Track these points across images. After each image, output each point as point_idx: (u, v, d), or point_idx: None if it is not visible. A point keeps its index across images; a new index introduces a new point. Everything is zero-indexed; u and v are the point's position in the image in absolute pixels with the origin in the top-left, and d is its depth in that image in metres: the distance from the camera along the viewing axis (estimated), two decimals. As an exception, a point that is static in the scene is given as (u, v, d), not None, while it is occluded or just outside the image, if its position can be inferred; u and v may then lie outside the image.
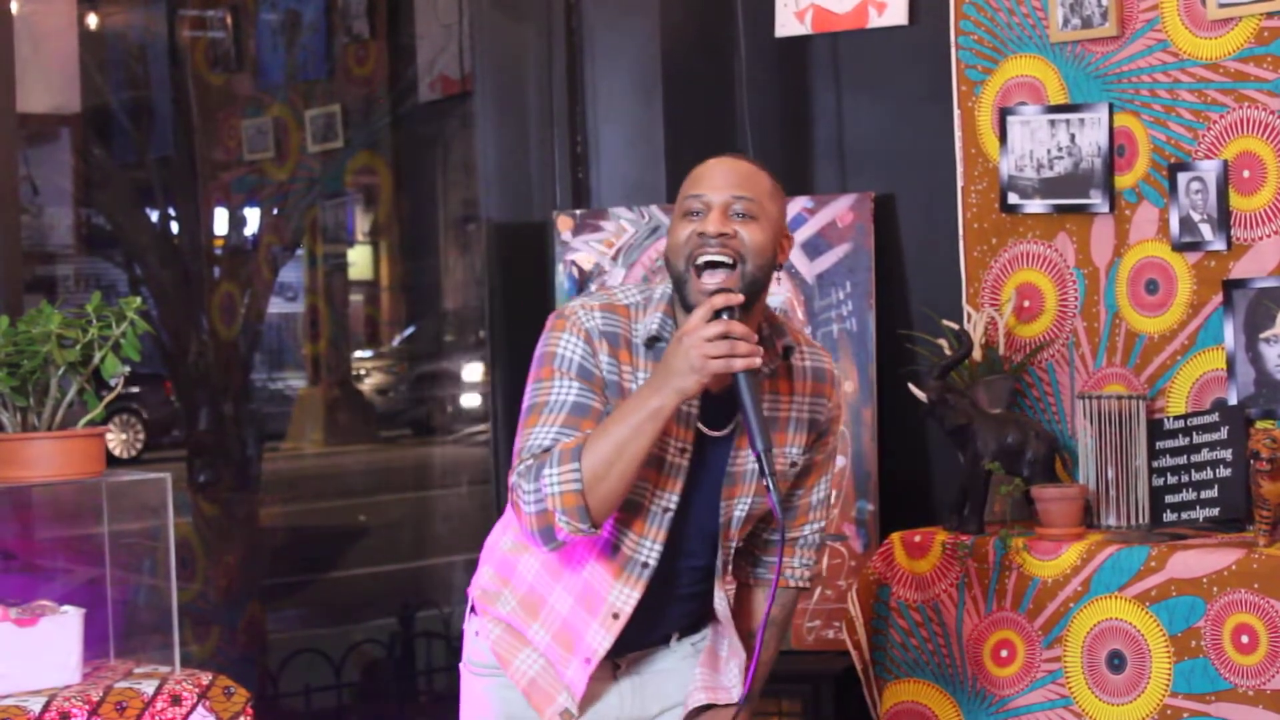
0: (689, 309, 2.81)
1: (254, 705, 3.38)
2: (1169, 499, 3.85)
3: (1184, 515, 3.82)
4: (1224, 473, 3.77)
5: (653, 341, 2.87)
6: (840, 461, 4.38)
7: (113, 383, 3.46)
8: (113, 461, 3.56)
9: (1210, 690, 3.48)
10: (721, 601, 3.02)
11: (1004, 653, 3.78)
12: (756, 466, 2.88)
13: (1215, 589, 3.48)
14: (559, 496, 2.75)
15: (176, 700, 3.29)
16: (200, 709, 3.30)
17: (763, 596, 3.12)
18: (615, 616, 2.91)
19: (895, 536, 3.96)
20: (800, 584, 3.12)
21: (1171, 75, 4.00)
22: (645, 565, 2.90)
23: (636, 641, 3.00)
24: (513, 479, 2.82)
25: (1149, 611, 3.56)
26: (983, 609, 3.80)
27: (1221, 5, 3.90)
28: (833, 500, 4.35)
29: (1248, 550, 3.49)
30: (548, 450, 2.79)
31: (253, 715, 3.37)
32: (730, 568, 3.05)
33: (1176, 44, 4.00)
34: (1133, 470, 3.89)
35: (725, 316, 2.72)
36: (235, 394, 6.28)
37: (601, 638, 2.92)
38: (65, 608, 3.35)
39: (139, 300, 3.44)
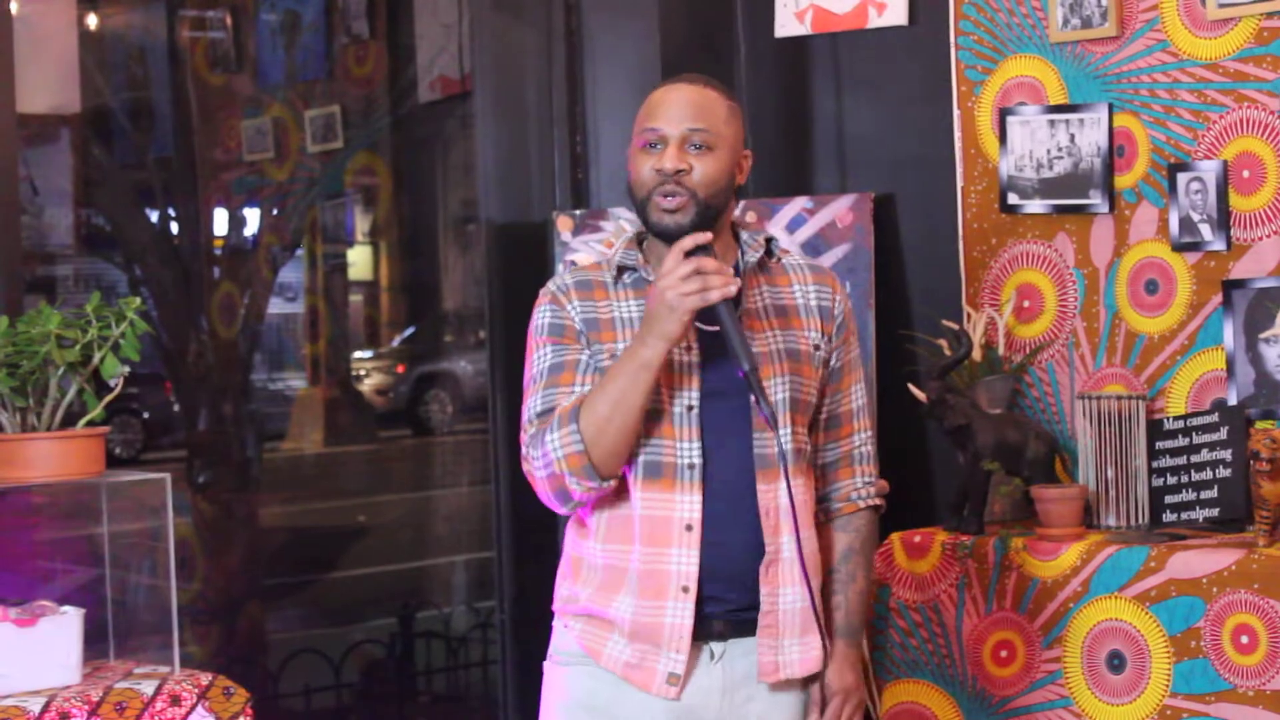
0: (653, 231, 2.93)
1: (253, 705, 3.38)
2: (1169, 499, 3.85)
3: (1184, 515, 3.82)
4: (1224, 473, 3.76)
5: (621, 271, 2.96)
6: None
7: (112, 383, 3.46)
8: (112, 462, 3.55)
9: (1210, 690, 3.48)
10: (784, 496, 2.91)
11: (1004, 653, 3.78)
12: (778, 348, 2.93)
13: (1215, 589, 3.48)
14: (564, 460, 2.82)
15: (176, 700, 3.29)
16: (200, 709, 3.31)
17: (834, 530, 3.07)
18: (689, 528, 2.88)
19: (895, 537, 3.96)
20: (870, 503, 3.09)
21: (1171, 75, 4.00)
22: (691, 466, 2.89)
23: (723, 582, 2.92)
24: (523, 450, 2.90)
25: (1149, 612, 3.56)
26: (982, 609, 3.80)
27: (1221, 5, 3.90)
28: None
29: (1247, 550, 3.49)
30: (545, 415, 2.87)
31: (252, 715, 3.37)
32: (792, 459, 2.93)
33: (1176, 44, 4.00)
34: (1132, 470, 3.89)
35: (697, 254, 2.78)
36: (235, 394, 6.29)
37: (687, 558, 2.88)
38: (65, 608, 3.35)
39: (139, 300, 3.45)
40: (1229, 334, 3.90)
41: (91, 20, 6.23)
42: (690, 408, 2.90)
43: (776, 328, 2.97)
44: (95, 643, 3.47)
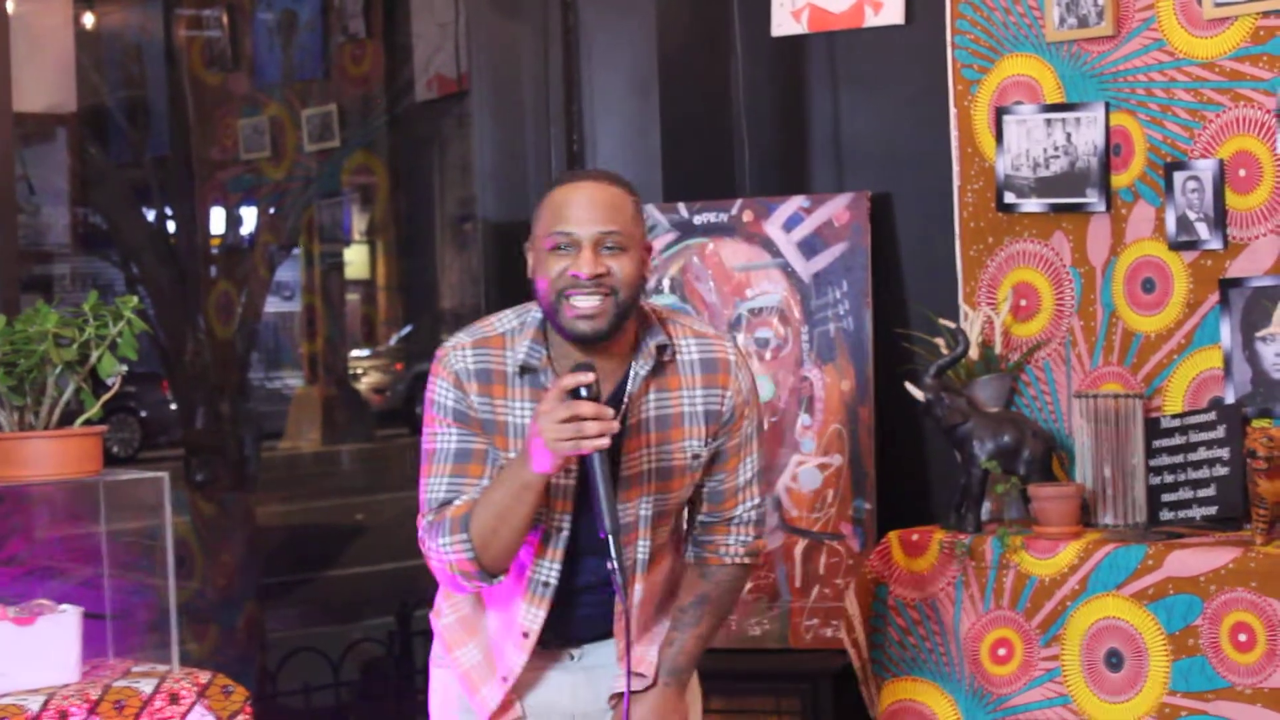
0: (566, 336, 2.90)
1: (252, 704, 3.38)
2: (1166, 498, 3.85)
3: (1181, 514, 3.82)
4: (1221, 471, 3.77)
5: (523, 370, 2.95)
6: (838, 460, 4.39)
7: (110, 382, 3.46)
8: (110, 461, 3.55)
9: (1208, 688, 3.49)
10: (639, 594, 3.05)
11: (1002, 651, 3.78)
12: (651, 467, 2.97)
13: (1212, 587, 3.49)
14: (454, 563, 2.92)
15: (175, 699, 3.29)
16: (199, 707, 3.31)
17: (695, 575, 3.13)
18: (525, 635, 3.00)
19: (893, 535, 3.97)
20: (736, 560, 3.13)
21: (1168, 74, 4.01)
22: (546, 584, 2.98)
23: (578, 636, 3.08)
24: (421, 530, 2.99)
25: (1146, 610, 3.57)
26: (980, 607, 3.81)
27: (1217, 4, 3.90)
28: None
29: (1245, 549, 3.49)
30: (447, 505, 2.94)
31: (251, 714, 3.37)
32: (645, 567, 3.04)
33: (1172, 43, 4.00)
34: (1130, 469, 3.89)
35: (584, 394, 2.76)
36: (232, 393, 6.29)
37: (516, 658, 3.02)
38: (63, 606, 3.35)
39: (136, 299, 3.45)
40: (1226, 332, 3.90)
41: (88, 19, 6.23)
42: (560, 529, 2.97)
43: (654, 444, 2.98)
44: (94, 641, 3.47)
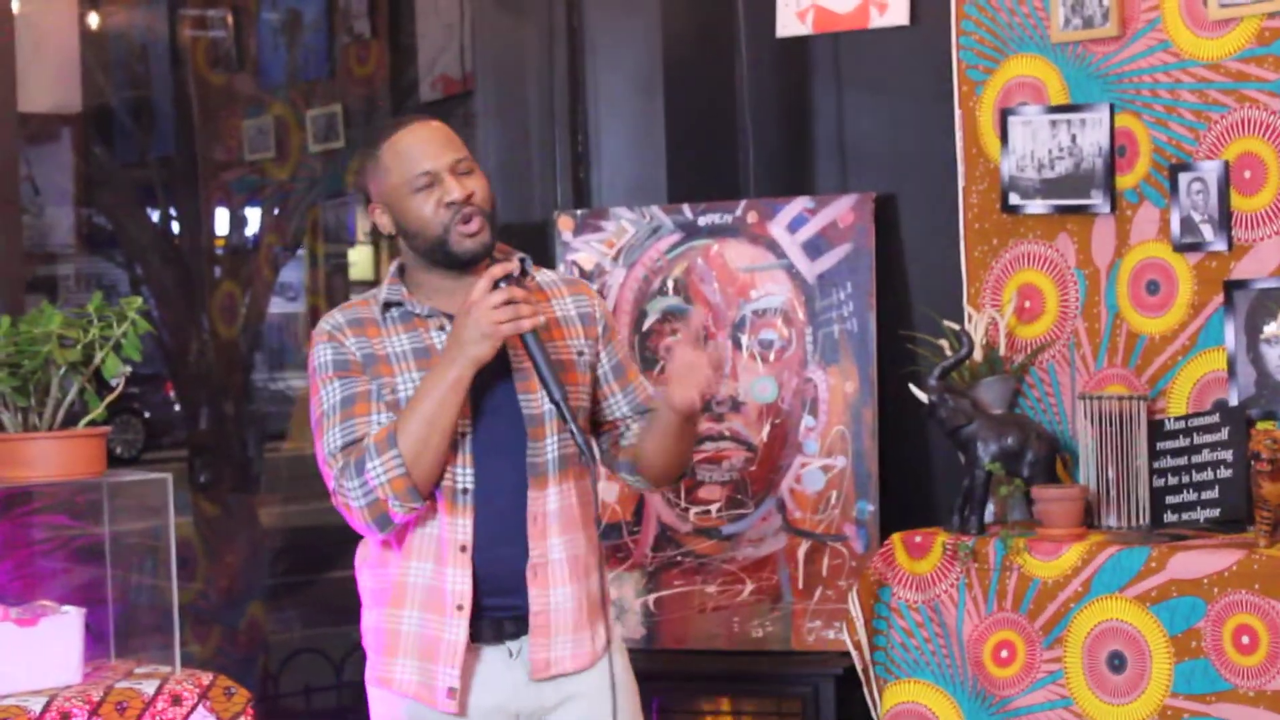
0: (459, 260, 3.03)
1: (255, 705, 3.39)
2: (1169, 500, 3.85)
3: (1184, 516, 3.82)
4: (1224, 474, 3.76)
5: (388, 307, 3.08)
6: (841, 462, 4.39)
7: (114, 383, 3.46)
8: (113, 461, 3.56)
9: (1211, 691, 3.48)
10: (552, 501, 3.07)
11: (1004, 653, 3.78)
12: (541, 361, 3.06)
13: (1216, 590, 3.48)
14: (388, 484, 2.95)
15: (177, 700, 3.29)
16: (201, 709, 3.31)
17: (634, 437, 3.21)
18: (463, 549, 3.03)
19: (896, 537, 3.96)
20: None
21: (1173, 75, 4.00)
22: (465, 491, 3.03)
23: (512, 603, 3.07)
24: (332, 484, 3.01)
25: (1149, 612, 3.56)
26: (983, 609, 3.80)
27: (1223, 5, 3.90)
28: (834, 500, 4.37)
29: (1248, 551, 3.49)
30: (350, 446, 2.99)
31: (253, 715, 3.38)
32: (557, 468, 3.08)
33: (1178, 44, 4.00)
34: (1133, 471, 3.88)
35: (503, 284, 2.93)
36: (236, 394, 6.29)
37: (460, 578, 3.03)
38: (66, 608, 3.36)
39: (140, 300, 3.46)
40: (1230, 334, 3.90)
41: (93, 19, 6.23)
42: (464, 434, 3.03)
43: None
44: (96, 642, 3.47)
